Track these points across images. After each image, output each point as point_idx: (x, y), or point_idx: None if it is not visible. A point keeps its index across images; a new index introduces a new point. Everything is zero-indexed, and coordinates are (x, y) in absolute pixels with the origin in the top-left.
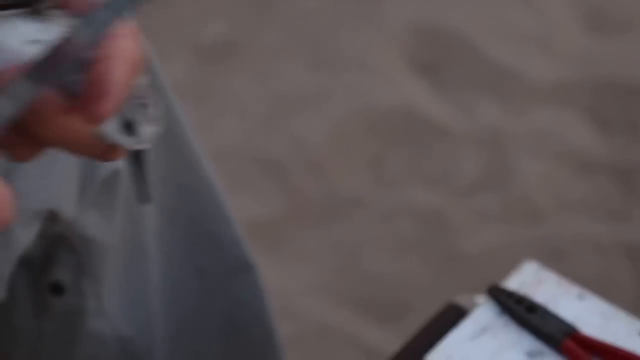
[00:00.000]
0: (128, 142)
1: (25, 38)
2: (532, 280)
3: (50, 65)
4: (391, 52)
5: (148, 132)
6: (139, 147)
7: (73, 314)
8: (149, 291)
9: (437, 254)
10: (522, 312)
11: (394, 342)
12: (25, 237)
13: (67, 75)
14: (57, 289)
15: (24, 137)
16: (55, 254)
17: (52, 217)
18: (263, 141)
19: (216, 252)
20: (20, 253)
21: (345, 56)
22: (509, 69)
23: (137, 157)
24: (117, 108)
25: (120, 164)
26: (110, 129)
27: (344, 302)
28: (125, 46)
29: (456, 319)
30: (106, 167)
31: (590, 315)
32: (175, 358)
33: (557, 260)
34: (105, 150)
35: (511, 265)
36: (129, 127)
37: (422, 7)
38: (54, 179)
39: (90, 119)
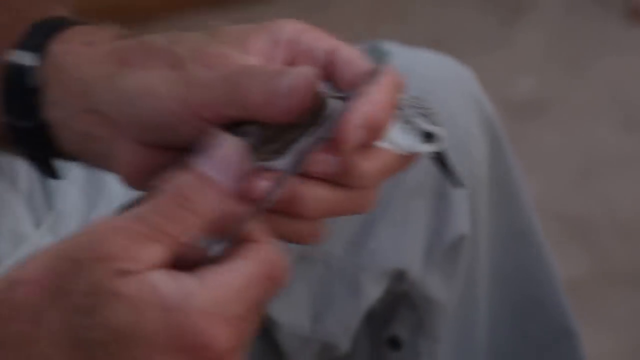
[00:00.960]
0: (428, 149)
1: None
2: None
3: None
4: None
5: (440, 133)
6: (437, 149)
7: None
8: (475, 352)
9: None
10: None
11: None
12: (374, 293)
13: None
14: (395, 344)
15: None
16: (397, 310)
17: (399, 276)
18: (571, 200)
19: (541, 317)
20: (367, 308)
21: None
22: None
23: (438, 157)
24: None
25: (465, 228)
26: (407, 141)
27: None
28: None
29: None
30: (452, 233)
31: None
32: None
33: None
34: (404, 162)
35: None
36: (424, 136)
37: None
38: (405, 241)
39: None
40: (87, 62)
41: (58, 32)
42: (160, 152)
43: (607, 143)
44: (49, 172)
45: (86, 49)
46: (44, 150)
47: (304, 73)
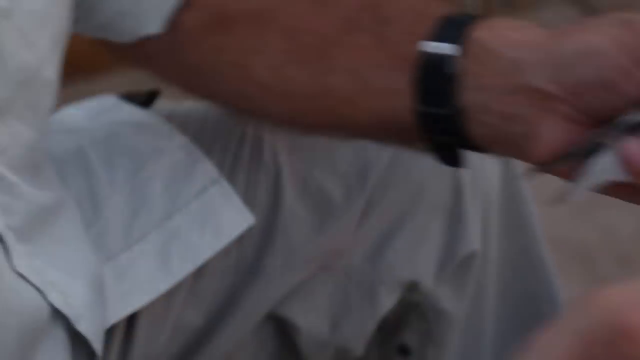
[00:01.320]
0: None
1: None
2: None
3: None
4: None
5: None
6: None
7: None
8: None
9: None
10: None
11: None
12: (389, 302)
13: None
14: (404, 351)
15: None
16: (408, 320)
17: (412, 287)
18: (571, 228)
19: None
20: (382, 316)
21: None
22: None
23: None
24: None
25: (477, 244)
26: None
27: None
28: None
29: None
30: (464, 249)
31: None
32: None
33: None
34: None
35: None
36: None
37: None
38: (420, 254)
39: None
40: (517, 44)
41: (472, 24)
42: (582, 127)
43: None
44: (453, 161)
45: (513, 33)
46: (453, 138)
47: None
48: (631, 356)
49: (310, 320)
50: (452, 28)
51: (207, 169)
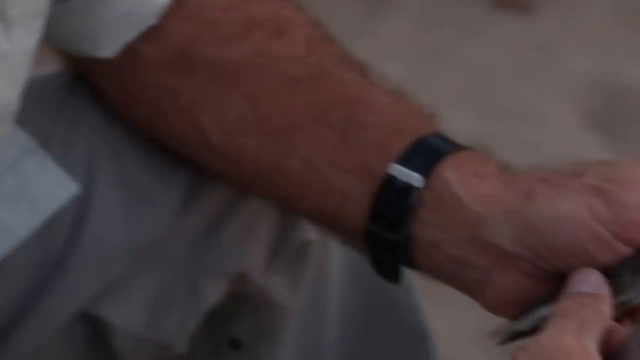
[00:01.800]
0: None
1: None
2: None
3: None
4: (565, 106)
5: None
6: None
7: None
8: (323, 354)
9: None
10: None
11: None
12: (214, 296)
13: None
14: (235, 345)
15: None
16: (238, 312)
17: (241, 279)
18: None
19: (394, 320)
20: (207, 309)
21: (517, 108)
22: None
23: None
24: None
25: (312, 232)
26: None
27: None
28: None
29: None
30: (298, 236)
31: None
32: None
33: None
34: None
35: None
36: None
37: (599, 61)
38: (248, 244)
39: None
40: (482, 197)
41: (443, 156)
42: (538, 283)
43: (462, 131)
44: (392, 277)
45: (477, 180)
46: (396, 259)
47: None
48: None
49: (126, 317)
50: (422, 156)
51: (20, 137)
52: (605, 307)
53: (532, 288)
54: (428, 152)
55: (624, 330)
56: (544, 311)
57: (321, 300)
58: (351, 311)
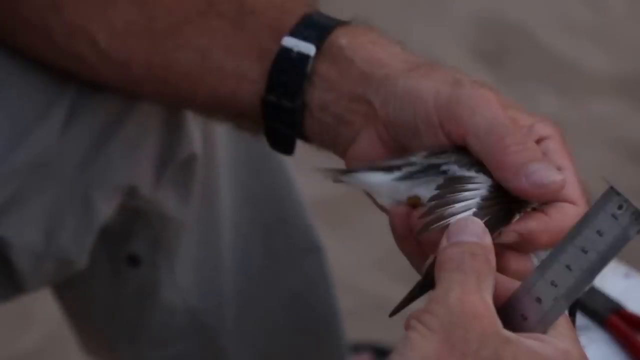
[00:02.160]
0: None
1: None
2: None
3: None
4: (454, 43)
5: None
6: None
7: (147, 284)
8: (221, 268)
9: None
10: None
11: None
12: (106, 210)
13: None
14: (134, 261)
15: None
16: (134, 228)
17: (131, 193)
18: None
19: (288, 235)
20: (100, 225)
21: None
22: (567, 60)
23: None
24: None
25: (197, 147)
26: None
27: (399, 277)
28: None
29: None
30: (183, 150)
31: (635, 292)
32: (243, 331)
33: None
34: None
35: None
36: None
37: (485, 1)
38: (135, 157)
39: None
40: (370, 59)
41: (334, 28)
42: (386, 151)
43: None
44: (286, 149)
45: (372, 46)
46: (289, 130)
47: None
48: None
49: (23, 234)
50: (313, 28)
51: None
52: (493, 257)
53: (381, 153)
54: (318, 25)
55: (511, 282)
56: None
57: (215, 217)
58: (247, 230)
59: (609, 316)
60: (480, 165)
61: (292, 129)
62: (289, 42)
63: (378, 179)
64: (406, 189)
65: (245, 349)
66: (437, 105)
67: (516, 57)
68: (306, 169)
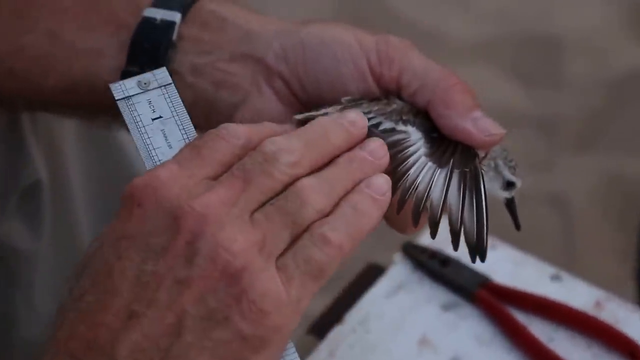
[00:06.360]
0: (506, 195)
1: None
2: (445, 235)
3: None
4: (310, 13)
5: (518, 184)
6: (511, 196)
7: (5, 322)
8: None
9: None
10: (436, 266)
11: (321, 303)
12: None
13: None
14: None
15: None
16: None
17: None
18: None
19: None
20: None
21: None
22: (428, 29)
23: (508, 202)
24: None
25: (41, 173)
26: (492, 187)
27: None
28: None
29: (375, 278)
30: (26, 177)
31: (502, 263)
32: None
33: None
34: None
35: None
36: (506, 184)
37: None
38: None
39: None
40: (250, 18)
41: None
42: (288, 110)
43: None
44: None
45: (247, 12)
46: None
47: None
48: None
49: None
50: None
51: None
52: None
53: (282, 114)
54: None
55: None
56: None
57: (72, 242)
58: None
59: (477, 290)
60: (404, 116)
61: None
62: (151, 12)
63: None
64: None
65: None
66: (365, 48)
67: (374, 27)
68: None
